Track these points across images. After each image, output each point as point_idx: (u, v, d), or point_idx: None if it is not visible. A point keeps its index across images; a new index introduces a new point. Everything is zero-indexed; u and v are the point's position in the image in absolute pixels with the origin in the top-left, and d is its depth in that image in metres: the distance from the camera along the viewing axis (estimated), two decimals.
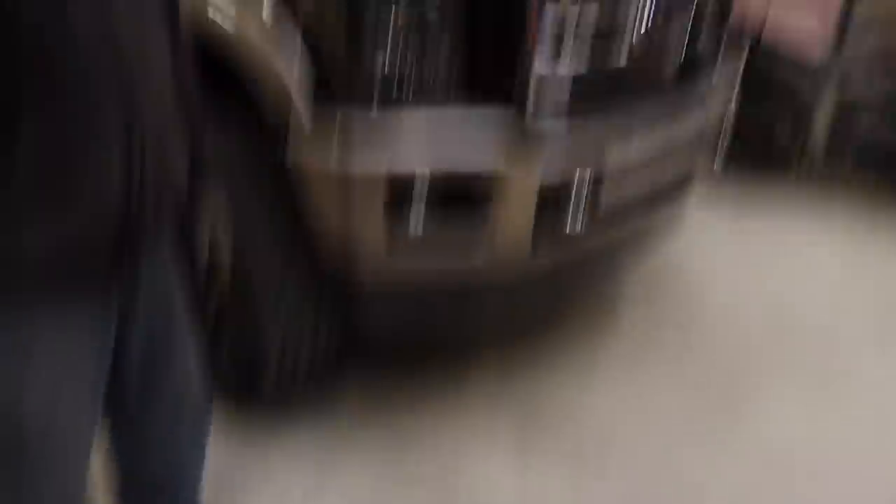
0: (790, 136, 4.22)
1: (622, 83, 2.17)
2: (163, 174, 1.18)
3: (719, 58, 2.62)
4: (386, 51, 1.84)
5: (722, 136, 2.77)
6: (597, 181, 2.11)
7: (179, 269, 1.39)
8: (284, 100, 1.91)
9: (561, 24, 1.91)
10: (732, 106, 2.84)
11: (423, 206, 1.94)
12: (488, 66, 1.91)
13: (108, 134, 1.07)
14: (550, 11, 1.88)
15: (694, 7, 2.34)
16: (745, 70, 4.05)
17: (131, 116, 1.09)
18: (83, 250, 1.09)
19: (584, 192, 2.09)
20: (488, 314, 2.35)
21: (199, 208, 1.45)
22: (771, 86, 4.29)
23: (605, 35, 2.06)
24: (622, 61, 2.13)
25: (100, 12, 1.03)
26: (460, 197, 1.94)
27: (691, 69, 2.44)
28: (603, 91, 2.11)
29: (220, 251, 2.12)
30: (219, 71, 1.88)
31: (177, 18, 1.28)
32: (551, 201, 2.05)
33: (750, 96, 4.14)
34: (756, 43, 4.11)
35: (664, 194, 2.48)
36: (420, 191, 1.91)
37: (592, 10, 1.98)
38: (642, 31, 2.14)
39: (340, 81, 1.87)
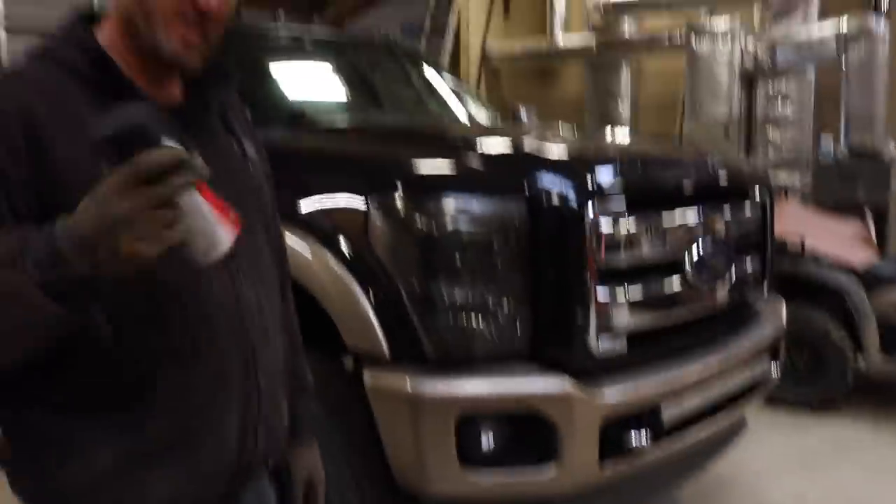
0: (844, 338, 4.27)
1: (680, 314, 2.32)
2: (275, 419, 1.31)
3: (766, 277, 2.78)
4: (456, 309, 2.02)
5: (778, 345, 2.86)
6: (659, 402, 2.19)
7: (276, 489, 1.49)
8: (364, 330, 2.07)
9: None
10: (784, 316, 2.95)
11: (493, 429, 2.03)
12: (550, 323, 2.10)
13: (231, 395, 1.21)
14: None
15: (736, 243, 2.52)
16: (793, 275, 4.24)
17: (252, 373, 1.23)
18: (200, 496, 1.20)
19: (648, 413, 2.17)
20: None
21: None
22: (820, 290, 4.41)
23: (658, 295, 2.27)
24: (677, 302, 2.30)
25: (230, 280, 1.20)
26: (529, 419, 2.03)
27: (742, 291, 2.60)
28: (660, 325, 2.26)
29: None
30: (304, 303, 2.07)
31: (287, 276, 1.47)
32: (617, 423, 2.12)
33: (800, 301, 4.28)
34: (801, 249, 4.30)
35: (725, 406, 2.54)
36: (490, 415, 2.01)
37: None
38: (692, 273, 2.32)
39: (415, 327, 2.03)
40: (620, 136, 3.37)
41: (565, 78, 9.47)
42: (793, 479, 3.52)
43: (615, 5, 8.09)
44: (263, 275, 1.31)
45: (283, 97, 3.30)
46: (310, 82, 3.57)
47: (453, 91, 4.17)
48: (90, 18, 1.22)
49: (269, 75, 3.38)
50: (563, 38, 8.85)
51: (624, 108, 8.68)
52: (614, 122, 8.64)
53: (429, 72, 4.23)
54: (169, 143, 0.92)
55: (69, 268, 0.90)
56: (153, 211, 0.88)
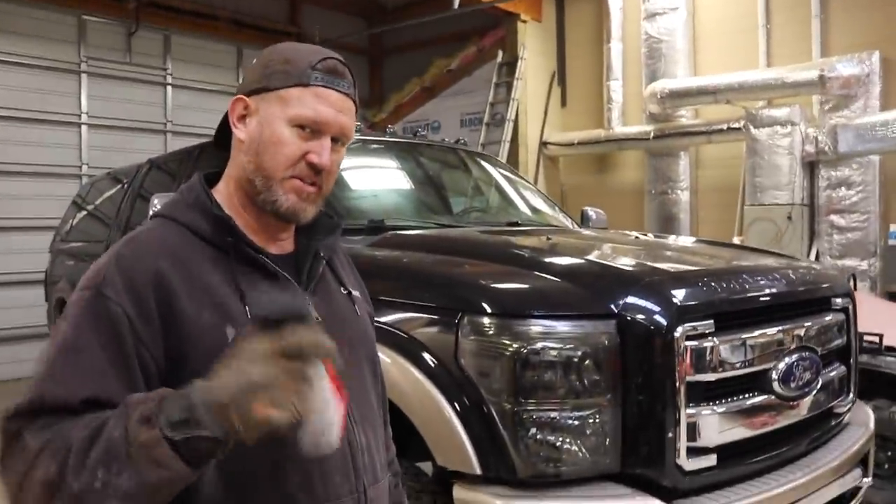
0: None
1: (768, 428, 2.32)
2: None
3: (852, 383, 2.75)
4: (546, 429, 2.06)
5: (867, 453, 2.80)
6: None
7: None
8: (454, 448, 2.11)
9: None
10: (871, 423, 2.90)
11: None
12: (640, 442, 2.12)
13: None
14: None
15: (821, 351, 2.52)
16: (872, 371, 4.15)
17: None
18: None
19: None
20: None
21: None
22: None
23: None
24: (766, 416, 2.31)
25: (346, 440, 1.26)
26: None
27: (829, 401, 2.58)
28: (749, 440, 2.27)
29: None
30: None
31: (387, 409, 1.53)
32: None
33: (882, 398, 4.18)
34: (880, 344, 4.23)
35: None
36: None
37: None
38: (779, 386, 2.34)
39: (505, 446, 2.07)
40: (697, 245, 3.40)
41: (623, 166, 9.57)
42: None
43: (672, 94, 8.21)
44: (371, 418, 1.38)
45: (361, 204, 3.43)
46: (387, 188, 3.72)
47: (525, 192, 4.28)
48: (210, 178, 1.35)
49: (346, 182, 3.53)
50: (621, 127, 8.99)
51: (683, 194, 8.71)
52: (673, 207, 8.66)
53: (500, 174, 4.36)
54: (315, 321, 1.00)
55: (201, 429, 0.97)
56: (290, 381, 0.96)
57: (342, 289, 1.41)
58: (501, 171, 4.50)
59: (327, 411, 1.01)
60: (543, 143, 9.58)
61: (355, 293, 1.44)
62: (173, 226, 1.25)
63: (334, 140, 1.27)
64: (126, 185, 5.42)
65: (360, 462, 1.29)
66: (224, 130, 1.36)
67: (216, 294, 1.19)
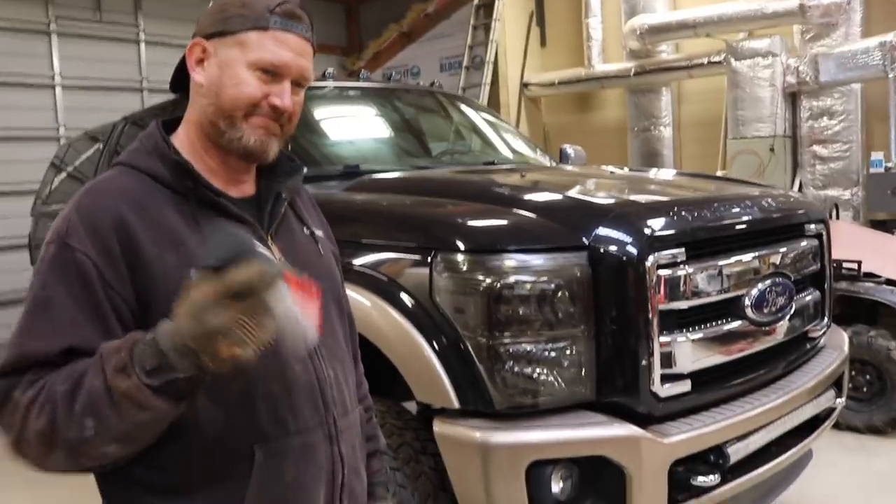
0: None
1: (742, 353, 2.36)
2: (357, 485, 1.40)
3: (826, 308, 2.79)
4: (522, 361, 2.10)
5: (842, 375, 2.86)
6: (725, 442, 2.22)
7: None
8: (432, 383, 2.15)
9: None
10: (846, 346, 2.95)
11: (562, 476, 2.08)
12: (615, 370, 2.16)
13: (318, 466, 1.29)
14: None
15: (795, 277, 2.55)
16: (851, 297, 4.21)
17: (335, 445, 1.32)
18: None
19: (715, 453, 2.21)
20: None
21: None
22: (879, 310, 4.38)
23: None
24: (739, 341, 2.34)
25: (310, 361, 1.30)
26: (598, 465, 2.08)
27: (803, 325, 2.63)
28: (723, 365, 2.31)
29: None
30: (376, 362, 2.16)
31: (357, 345, 1.56)
32: (684, 464, 2.16)
33: (860, 323, 4.26)
34: (858, 270, 4.28)
35: (791, 441, 2.55)
36: (560, 462, 2.07)
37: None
38: (752, 312, 2.38)
39: (482, 379, 2.10)
40: (673, 177, 3.41)
41: (605, 103, 9.52)
42: (862, 503, 3.49)
43: (652, 29, 8.12)
44: (338, 352, 1.41)
45: (337, 150, 3.42)
46: (362, 134, 3.70)
47: (504, 134, 4.26)
48: (167, 124, 1.34)
49: (322, 129, 3.51)
50: (601, 65, 8.91)
51: (665, 130, 8.69)
52: (657, 143, 8.65)
53: (478, 117, 4.33)
54: (261, 253, 1.00)
55: (176, 372, 1.02)
56: (246, 319, 0.98)
57: (305, 229, 1.43)
58: (478, 112, 4.47)
59: (297, 322, 1.02)
60: (524, 85, 9.49)
61: (318, 233, 1.45)
62: (133, 173, 1.26)
63: (294, 83, 1.28)
64: (103, 144, 5.37)
65: (328, 395, 1.32)
66: (180, 75, 1.35)
67: (178, 237, 1.20)
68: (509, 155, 3.99)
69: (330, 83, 3.73)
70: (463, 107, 4.40)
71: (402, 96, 4.12)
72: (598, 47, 8.94)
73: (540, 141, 9.06)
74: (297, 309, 1.01)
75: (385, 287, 2.27)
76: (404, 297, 2.23)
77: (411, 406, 2.46)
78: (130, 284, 1.16)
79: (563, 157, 4.25)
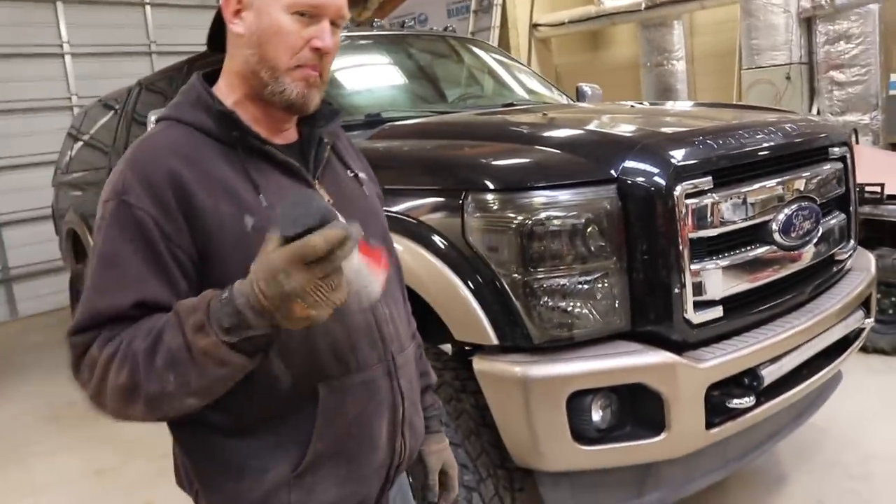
0: None
1: (771, 277, 2.40)
2: (416, 419, 1.46)
3: (852, 231, 2.81)
4: (556, 295, 2.15)
5: (869, 296, 2.89)
6: (758, 364, 2.27)
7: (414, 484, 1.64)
8: (470, 322, 2.20)
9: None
10: (873, 268, 2.98)
11: (602, 405, 2.15)
12: (648, 300, 2.20)
13: (380, 401, 1.35)
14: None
15: (820, 201, 2.57)
16: (875, 221, 4.21)
17: (395, 380, 1.38)
18: (360, 495, 1.35)
19: (749, 376, 2.26)
20: (663, 482, 2.45)
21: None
22: None
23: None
24: (768, 266, 2.38)
25: (371, 313, 1.34)
26: (637, 392, 2.14)
27: (829, 248, 2.66)
28: (753, 289, 2.35)
29: None
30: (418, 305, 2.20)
31: (403, 284, 1.60)
32: (720, 387, 2.21)
33: (885, 246, 4.26)
34: (881, 194, 4.27)
35: (823, 362, 2.59)
36: (599, 391, 2.13)
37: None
38: (780, 236, 2.42)
39: (519, 315, 2.16)
40: (693, 108, 3.40)
41: (616, 41, 9.40)
42: (891, 423, 3.55)
43: None
44: (391, 291, 1.45)
45: (356, 100, 3.43)
46: (381, 82, 3.70)
47: (520, 75, 4.25)
48: (208, 76, 1.37)
49: (340, 80, 3.52)
50: (612, 1, 8.78)
51: (679, 64, 8.59)
52: (670, 78, 8.55)
53: (494, 59, 4.32)
54: (337, 218, 1.02)
55: (253, 330, 1.07)
56: (321, 283, 1.01)
57: (349, 172, 1.46)
58: (494, 55, 4.45)
59: (366, 282, 1.06)
60: (534, 26, 9.38)
61: (362, 175, 1.48)
62: (179, 126, 1.28)
63: (332, 23, 1.28)
64: (119, 110, 5.39)
65: (386, 332, 1.37)
66: (216, 31, 1.37)
67: (230, 186, 1.23)
68: (527, 96, 3.99)
69: (344, 33, 3.72)
70: (478, 50, 4.38)
71: (418, 43, 4.11)
72: None
73: (552, 82, 8.99)
74: (367, 271, 1.05)
75: (418, 230, 2.30)
76: (437, 239, 2.27)
77: (446, 348, 2.53)
78: (189, 236, 1.19)
79: (579, 96, 4.24)
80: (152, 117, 3.01)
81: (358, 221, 1.05)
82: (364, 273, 1.05)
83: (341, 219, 1.03)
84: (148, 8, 8.92)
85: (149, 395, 1.11)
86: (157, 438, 4.17)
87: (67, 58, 8.32)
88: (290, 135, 1.38)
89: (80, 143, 6.29)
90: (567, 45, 9.70)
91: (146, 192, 1.18)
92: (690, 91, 8.65)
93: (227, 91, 1.33)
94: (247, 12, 1.28)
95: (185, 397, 1.12)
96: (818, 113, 7.31)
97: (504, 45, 8.91)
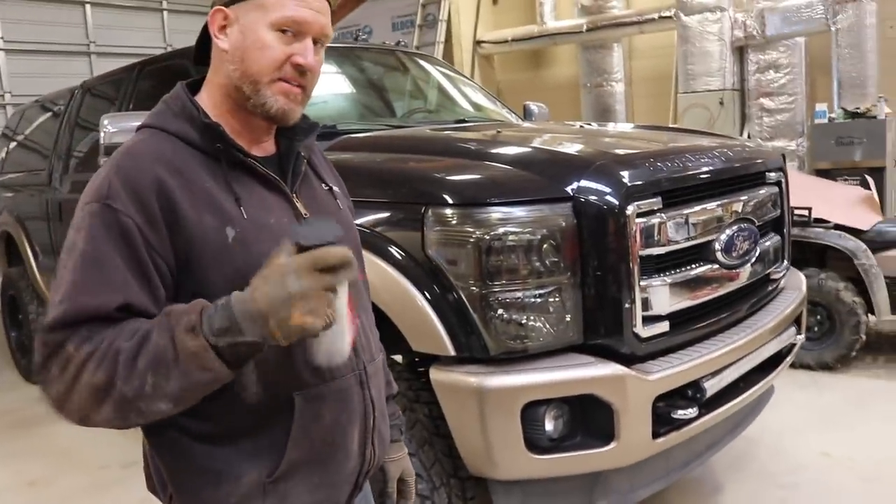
0: (855, 298, 4.47)
1: (713, 294, 2.52)
2: (384, 427, 1.50)
3: (785, 251, 2.98)
4: (513, 309, 2.22)
5: (800, 314, 3.05)
6: (702, 377, 2.38)
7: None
8: (428, 333, 2.26)
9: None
10: (804, 287, 3.14)
11: (554, 415, 2.22)
12: (599, 314, 2.29)
13: (352, 410, 1.38)
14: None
15: (758, 223, 2.72)
16: (802, 242, 4.42)
17: (366, 389, 1.41)
18: (331, 502, 1.39)
19: (693, 388, 2.37)
20: (610, 491, 2.54)
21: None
22: (829, 254, 4.61)
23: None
24: (711, 283, 2.52)
25: None
26: (588, 403, 2.22)
27: (765, 267, 2.81)
28: (697, 305, 2.48)
29: None
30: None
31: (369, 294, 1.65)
32: (665, 397, 2.31)
33: (811, 266, 4.48)
34: (808, 217, 4.49)
35: (758, 376, 2.73)
36: (551, 402, 2.20)
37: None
38: (722, 255, 2.55)
39: (476, 327, 2.22)
40: (640, 131, 3.53)
41: (557, 60, 9.61)
42: (817, 435, 3.73)
43: None
44: (363, 303, 1.49)
45: (311, 111, 3.45)
46: (334, 94, 3.73)
47: (471, 92, 4.33)
48: (191, 86, 1.39)
49: None
50: (553, 21, 8.99)
51: (618, 86, 8.84)
52: (609, 99, 8.79)
53: (446, 75, 4.39)
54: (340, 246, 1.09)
55: (243, 336, 1.09)
56: (324, 291, 1.06)
57: (323, 185, 1.49)
58: (445, 70, 4.53)
59: (342, 323, 1.11)
60: (477, 42, 9.53)
61: (335, 188, 1.52)
62: (163, 135, 1.30)
63: (315, 42, 1.32)
64: (61, 113, 5.26)
65: (358, 342, 1.40)
66: (202, 45, 1.40)
67: (212, 197, 1.25)
68: (476, 112, 4.07)
69: None
70: (430, 66, 4.45)
71: (372, 57, 4.15)
72: (550, 4, 9.02)
73: None
74: (345, 319, 1.12)
75: (376, 242, 2.34)
76: (396, 251, 2.31)
77: (397, 358, 2.57)
78: (170, 245, 1.21)
79: (527, 114, 4.34)
80: (106, 121, 2.97)
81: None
82: (342, 316, 1.11)
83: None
84: (88, 7, 8.72)
85: (122, 396, 1.10)
86: (92, 449, 4.09)
87: (1, 54, 8.07)
88: (268, 147, 1.41)
89: (14, 144, 6.11)
90: (510, 62, 9.87)
91: (131, 199, 1.19)
92: (628, 112, 8.91)
93: (208, 102, 1.35)
94: (231, 28, 1.31)
95: (158, 401, 1.11)
96: (749, 137, 7.62)
97: (448, 60, 9.01)
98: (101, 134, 2.94)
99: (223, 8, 1.32)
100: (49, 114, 5.58)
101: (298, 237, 1.07)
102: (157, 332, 1.12)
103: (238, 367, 1.14)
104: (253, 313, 1.07)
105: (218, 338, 1.09)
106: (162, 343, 1.10)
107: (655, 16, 8.14)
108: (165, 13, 9.34)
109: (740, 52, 7.72)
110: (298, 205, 1.36)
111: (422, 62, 4.47)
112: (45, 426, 4.58)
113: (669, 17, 7.95)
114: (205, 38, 1.38)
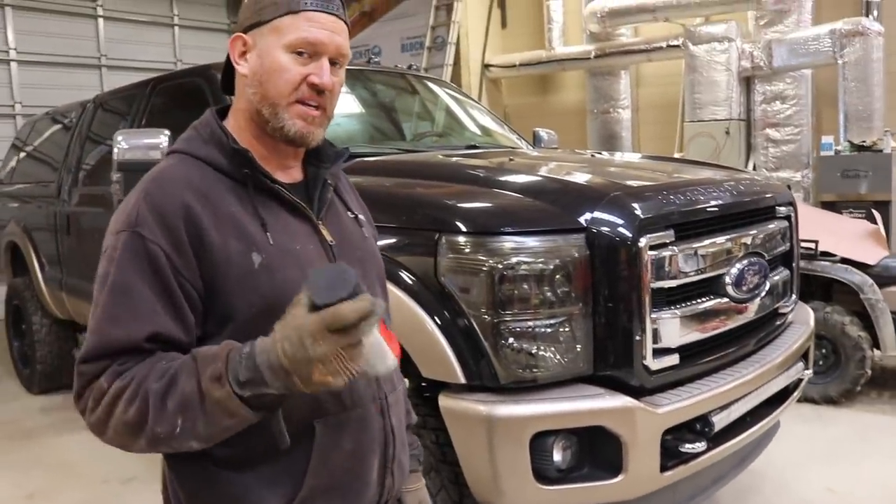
0: (860, 332, 4.47)
1: (723, 327, 2.53)
2: (403, 456, 1.49)
3: (794, 285, 2.98)
4: (524, 338, 2.22)
5: (808, 348, 3.05)
6: (710, 411, 2.38)
7: None
8: (439, 360, 2.25)
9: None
10: (811, 321, 3.15)
11: (563, 446, 2.21)
12: (610, 345, 2.29)
13: (372, 439, 1.38)
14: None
15: (768, 257, 2.72)
16: (809, 276, 4.42)
17: (387, 418, 1.41)
18: None
19: (702, 422, 2.36)
20: None
21: None
22: (835, 288, 4.61)
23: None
24: (721, 317, 2.52)
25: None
26: (597, 435, 2.22)
27: (774, 301, 2.81)
28: (707, 339, 2.48)
29: None
30: None
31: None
32: (674, 430, 2.31)
33: (818, 300, 4.48)
34: (815, 251, 4.50)
35: (766, 410, 2.72)
36: (561, 433, 2.19)
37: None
38: (733, 289, 2.55)
39: (487, 356, 2.22)
40: (654, 162, 3.55)
41: (565, 86, 9.66)
42: (821, 469, 3.72)
43: (612, 13, 8.28)
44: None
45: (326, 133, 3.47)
46: (346, 117, 3.75)
47: (483, 117, 4.36)
48: (221, 112, 1.41)
49: None
50: (561, 47, 9.04)
51: (624, 113, 8.88)
52: (615, 126, 8.83)
53: (458, 100, 4.42)
54: (364, 290, 1.06)
55: (267, 388, 1.10)
56: (342, 352, 1.05)
57: (349, 213, 1.50)
58: (456, 95, 4.55)
59: (381, 356, 1.09)
60: (485, 66, 9.59)
61: (360, 216, 1.53)
62: (191, 161, 1.31)
63: (332, 62, 1.32)
64: (71, 127, 5.29)
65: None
66: (228, 73, 1.42)
67: (239, 224, 1.26)
68: (487, 137, 4.09)
69: None
70: (442, 90, 4.48)
71: (383, 79, 4.18)
72: (558, 30, 9.08)
73: None
74: (384, 347, 1.09)
75: (389, 268, 2.33)
76: (407, 276, 2.32)
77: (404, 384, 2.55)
78: (197, 270, 1.22)
79: (536, 141, 4.37)
80: (120, 138, 2.99)
81: (358, 260, 1.09)
82: (383, 349, 1.09)
83: (368, 294, 1.07)
84: (100, 21, 8.79)
85: (154, 435, 1.13)
86: (93, 463, 4.07)
87: (13, 64, 8.12)
88: (295, 173, 1.42)
89: (23, 155, 6.13)
90: (517, 86, 9.93)
91: (159, 225, 1.21)
92: (634, 139, 8.95)
93: (235, 128, 1.36)
94: (251, 54, 1.33)
95: (188, 440, 1.15)
96: (754, 167, 7.65)
97: (456, 82, 9.07)
98: (115, 150, 2.94)
99: (242, 35, 1.35)
100: (60, 126, 5.61)
101: (313, 295, 1.05)
102: (184, 376, 1.13)
103: (264, 412, 1.15)
104: (276, 368, 1.08)
105: (243, 389, 1.10)
106: (188, 389, 1.12)
107: (663, 44, 8.20)
108: (176, 28, 9.42)
109: (747, 82, 7.77)
110: (324, 232, 1.37)
111: (433, 86, 4.50)
112: (45, 437, 4.57)
113: (677, 46, 8.01)
114: (229, 67, 1.40)
